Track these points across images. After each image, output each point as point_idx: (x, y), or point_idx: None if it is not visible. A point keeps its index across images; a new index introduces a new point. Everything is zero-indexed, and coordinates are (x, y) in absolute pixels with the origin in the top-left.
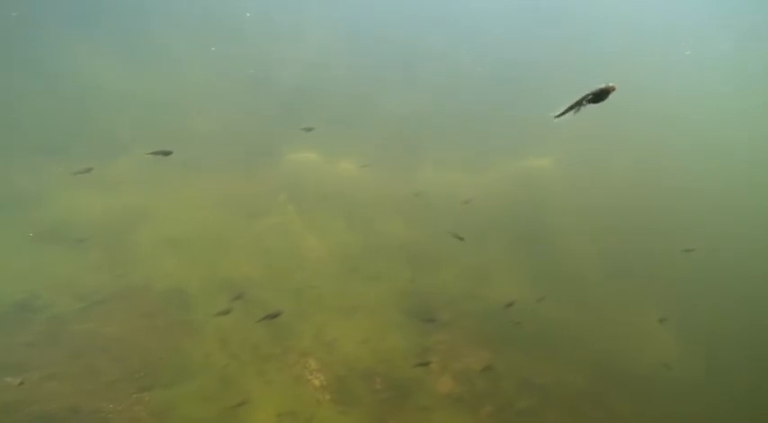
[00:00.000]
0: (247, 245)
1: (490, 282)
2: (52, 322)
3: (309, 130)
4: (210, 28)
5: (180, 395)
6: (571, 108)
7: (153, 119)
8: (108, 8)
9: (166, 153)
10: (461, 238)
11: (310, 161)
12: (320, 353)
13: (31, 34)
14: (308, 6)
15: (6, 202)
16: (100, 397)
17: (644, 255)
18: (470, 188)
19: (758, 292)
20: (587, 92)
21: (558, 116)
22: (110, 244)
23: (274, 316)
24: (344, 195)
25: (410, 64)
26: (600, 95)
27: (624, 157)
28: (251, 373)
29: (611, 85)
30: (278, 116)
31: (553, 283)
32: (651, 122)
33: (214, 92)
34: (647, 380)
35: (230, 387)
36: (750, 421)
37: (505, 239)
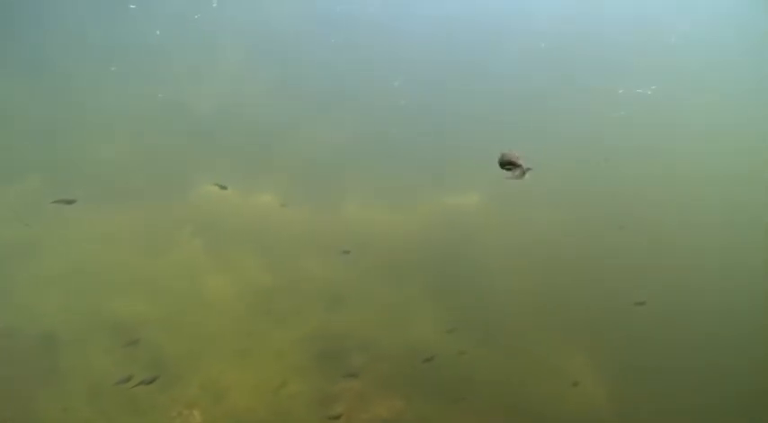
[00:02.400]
0: (142, 283)
1: (408, 325)
2: None
3: (223, 188)
4: (113, 45)
5: None
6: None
7: (41, 143)
8: None
9: (69, 202)
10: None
11: (223, 194)
12: (208, 403)
13: None
14: (223, 26)
15: None
16: None
17: (574, 297)
18: (391, 226)
19: (693, 341)
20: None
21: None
22: None
23: (150, 381)
24: (258, 231)
25: (333, 92)
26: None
27: (557, 192)
28: None
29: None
30: (188, 145)
31: (475, 327)
32: (586, 156)
33: (117, 115)
34: None
35: None
36: None
37: (427, 280)
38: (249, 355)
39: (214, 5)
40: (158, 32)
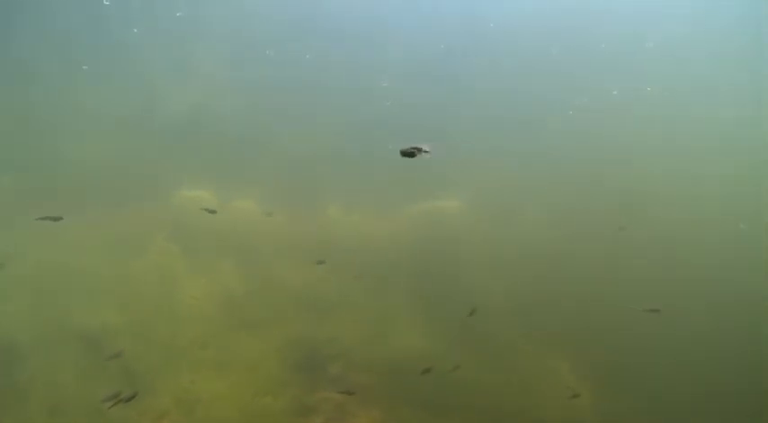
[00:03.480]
0: (112, 289)
1: (388, 333)
2: None
3: (212, 211)
4: (87, 43)
5: None
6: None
7: (10, 144)
8: None
9: (56, 219)
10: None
11: (201, 199)
12: (178, 415)
13: None
14: (203, 25)
15: None
16: None
17: (561, 303)
18: (373, 232)
19: (689, 349)
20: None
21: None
22: None
23: (129, 399)
24: (235, 238)
25: (314, 94)
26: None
27: (541, 197)
28: None
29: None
30: (164, 148)
31: (457, 333)
32: (576, 157)
33: (89, 116)
34: None
35: None
36: None
37: (409, 288)
38: (223, 365)
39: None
40: (136, 30)
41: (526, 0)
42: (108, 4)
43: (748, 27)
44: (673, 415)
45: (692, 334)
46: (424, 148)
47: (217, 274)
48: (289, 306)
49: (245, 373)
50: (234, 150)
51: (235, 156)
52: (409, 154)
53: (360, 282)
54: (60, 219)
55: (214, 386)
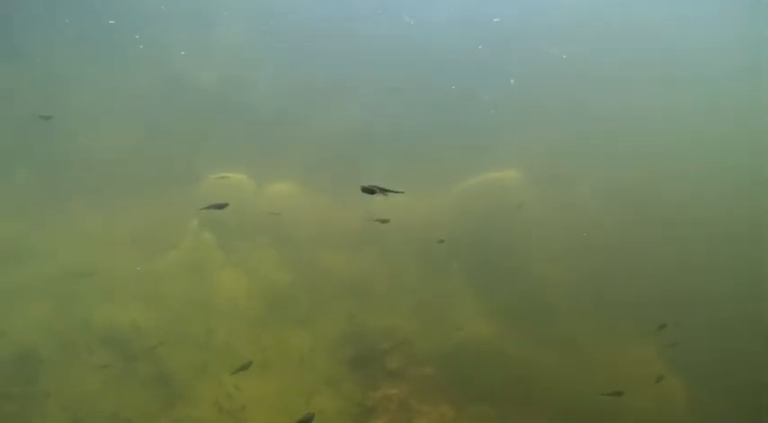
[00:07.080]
0: (143, 285)
1: (449, 319)
2: None
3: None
4: (105, 20)
5: None
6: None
7: (31, 133)
8: None
9: (220, 206)
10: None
11: (235, 183)
12: None
13: None
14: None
15: None
16: None
17: (630, 279)
18: (423, 212)
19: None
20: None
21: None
22: None
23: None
24: (276, 223)
25: (353, 68)
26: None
27: (601, 167)
28: None
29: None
30: (196, 130)
31: (523, 318)
32: (627, 131)
33: (115, 98)
34: None
35: None
36: None
37: (466, 270)
38: (270, 366)
39: None
40: (163, 8)
41: None
42: None
43: None
44: None
45: None
46: (384, 188)
47: (257, 263)
48: (336, 297)
49: (293, 374)
50: (266, 128)
51: (268, 134)
52: (369, 191)
53: (412, 266)
54: (226, 205)
55: (259, 390)
